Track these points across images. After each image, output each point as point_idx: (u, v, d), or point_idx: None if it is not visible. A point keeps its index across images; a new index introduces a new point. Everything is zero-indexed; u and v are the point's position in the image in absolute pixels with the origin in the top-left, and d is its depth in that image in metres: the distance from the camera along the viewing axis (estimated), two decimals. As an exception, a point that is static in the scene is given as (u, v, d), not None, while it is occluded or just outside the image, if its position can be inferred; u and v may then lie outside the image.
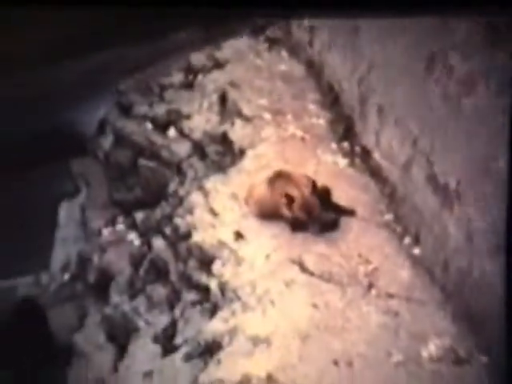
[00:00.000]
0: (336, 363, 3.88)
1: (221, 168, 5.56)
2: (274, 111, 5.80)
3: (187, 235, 5.06)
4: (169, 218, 5.48)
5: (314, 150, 5.39)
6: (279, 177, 4.80)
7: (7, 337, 5.54)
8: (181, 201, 5.47)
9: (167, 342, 4.80)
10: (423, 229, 4.44)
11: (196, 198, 5.26)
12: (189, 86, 6.52)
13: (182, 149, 6.01)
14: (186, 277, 4.99)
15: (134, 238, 5.94)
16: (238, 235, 4.79)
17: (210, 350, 4.27)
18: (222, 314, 4.40)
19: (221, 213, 5.02)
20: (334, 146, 5.43)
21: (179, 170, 5.93)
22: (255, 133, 5.63)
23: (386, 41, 4.76)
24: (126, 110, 6.72)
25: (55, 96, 6.43)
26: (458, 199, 4.01)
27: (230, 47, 6.64)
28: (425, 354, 3.90)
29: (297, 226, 4.68)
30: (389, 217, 4.78)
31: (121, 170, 6.53)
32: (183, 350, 4.48)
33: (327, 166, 5.24)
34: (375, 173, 5.02)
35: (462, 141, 3.91)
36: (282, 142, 5.50)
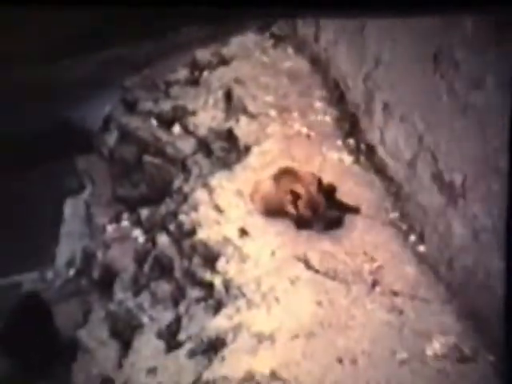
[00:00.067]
0: (340, 361, 3.87)
1: (226, 165, 5.55)
2: (279, 108, 5.79)
3: (192, 232, 5.06)
4: (173, 214, 5.48)
5: (320, 148, 5.37)
6: (285, 174, 4.79)
7: (13, 333, 5.54)
8: (185, 197, 5.47)
9: (171, 338, 4.79)
10: (428, 226, 4.43)
11: (201, 194, 5.25)
12: (194, 82, 6.51)
13: (187, 145, 6.00)
14: (190, 273, 4.99)
15: (138, 234, 5.94)
16: (243, 232, 4.78)
17: (214, 346, 4.27)
18: (227, 310, 4.40)
19: (226, 210, 5.02)
20: (339, 143, 5.41)
21: (184, 167, 5.93)
22: (260, 130, 5.62)
23: (392, 37, 4.74)
24: (131, 107, 6.72)
25: (57, 94, 6.44)
26: (463, 197, 3.99)
27: (236, 44, 6.63)
28: (429, 352, 3.89)
29: (302, 223, 4.67)
30: (394, 214, 4.77)
31: (125, 166, 6.53)
32: (187, 347, 4.48)
33: (333, 164, 5.23)
34: (380, 170, 5.01)
35: (468, 138, 3.89)
36: (288, 139, 5.48)
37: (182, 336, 4.71)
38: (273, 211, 4.80)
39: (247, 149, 5.51)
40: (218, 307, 4.55)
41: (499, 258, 3.57)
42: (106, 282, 5.80)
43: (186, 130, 6.11)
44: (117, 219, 6.29)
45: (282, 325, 4.10)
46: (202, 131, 5.96)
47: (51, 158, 6.67)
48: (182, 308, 4.91)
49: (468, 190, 3.95)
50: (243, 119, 5.77)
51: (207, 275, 4.77)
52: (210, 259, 4.80)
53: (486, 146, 3.71)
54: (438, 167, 4.24)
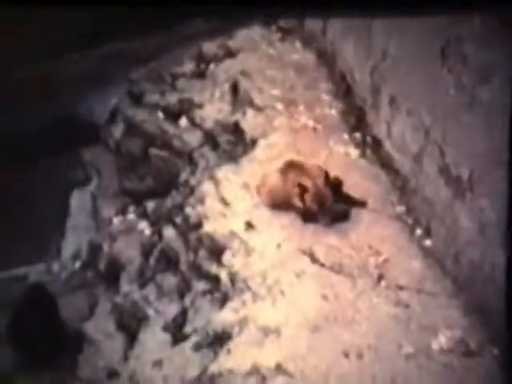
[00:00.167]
0: (346, 355, 3.86)
1: (232, 157, 5.55)
2: (286, 101, 5.78)
3: (198, 225, 5.06)
4: (180, 207, 5.48)
5: (326, 141, 5.36)
6: (291, 167, 4.78)
7: (19, 325, 5.56)
8: (192, 190, 5.47)
9: (177, 331, 4.80)
10: (435, 220, 4.42)
11: (207, 187, 5.25)
12: (201, 75, 6.50)
13: (194, 138, 6.00)
14: (196, 266, 4.99)
15: (144, 227, 5.94)
16: (249, 225, 4.78)
17: (219, 339, 4.27)
18: (232, 304, 4.40)
19: (232, 202, 5.01)
20: (346, 136, 5.40)
21: (190, 160, 5.93)
22: (267, 123, 5.61)
23: (399, 30, 4.73)
24: (137, 99, 6.71)
25: (57, 90, 6.45)
26: (470, 191, 3.98)
27: (242, 36, 6.62)
28: (435, 346, 3.88)
29: (308, 216, 4.66)
30: (400, 208, 4.76)
31: (132, 159, 6.53)
32: (193, 340, 4.48)
33: (339, 157, 5.22)
34: (386, 164, 4.99)
35: (475, 131, 3.88)
36: (294, 132, 5.47)
37: (187, 329, 4.71)
38: (279, 204, 4.80)
39: (254, 142, 5.50)
40: (223, 300, 4.55)
41: (505, 251, 3.56)
42: (112, 274, 5.81)
43: (193, 123, 6.11)
44: (123, 212, 6.29)
45: (287, 318, 4.10)
46: (209, 124, 5.95)
47: (58, 152, 6.67)
48: (187, 301, 4.92)
49: (475, 184, 3.94)
50: (250, 112, 5.76)
51: (213, 268, 4.77)
52: (216, 252, 4.80)
53: (493, 140, 3.70)
54: (445, 161, 4.23)
